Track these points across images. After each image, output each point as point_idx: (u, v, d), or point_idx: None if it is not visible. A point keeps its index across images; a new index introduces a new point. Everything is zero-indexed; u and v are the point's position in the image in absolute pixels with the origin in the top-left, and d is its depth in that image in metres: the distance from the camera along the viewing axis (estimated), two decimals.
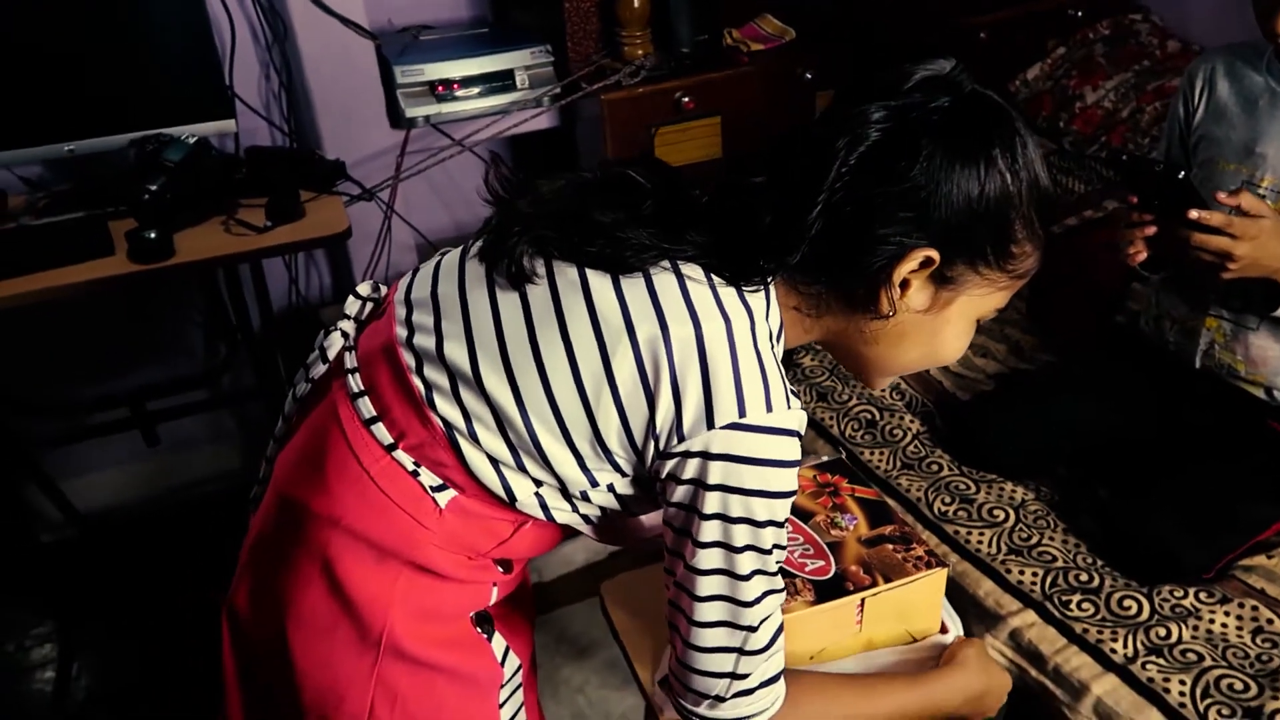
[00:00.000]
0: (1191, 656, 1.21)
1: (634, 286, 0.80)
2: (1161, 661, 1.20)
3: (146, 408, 2.21)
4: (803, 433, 0.80)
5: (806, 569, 1.06)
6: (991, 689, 1.03)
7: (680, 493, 0.79)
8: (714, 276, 0.81)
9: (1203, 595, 1.29)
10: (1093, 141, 2.51)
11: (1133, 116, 2.44)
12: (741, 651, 0.83)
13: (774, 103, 2.29)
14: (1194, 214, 1.20)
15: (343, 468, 0.87)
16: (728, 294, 0.80)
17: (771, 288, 0.83)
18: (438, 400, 0.84)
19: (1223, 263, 1.22)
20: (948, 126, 0.77)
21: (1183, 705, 1.15)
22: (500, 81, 2.22)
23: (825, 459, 1.23)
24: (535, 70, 2.24)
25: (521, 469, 0.84)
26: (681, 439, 0.77)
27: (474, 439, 0.83)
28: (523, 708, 1.00)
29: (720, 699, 0.85)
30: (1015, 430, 1.52)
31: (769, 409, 0.77)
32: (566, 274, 0.82)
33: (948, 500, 1.49)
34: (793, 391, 0.81)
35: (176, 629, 1.97)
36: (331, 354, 0.95)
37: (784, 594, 0.86)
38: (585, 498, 0.86)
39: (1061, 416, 1.52)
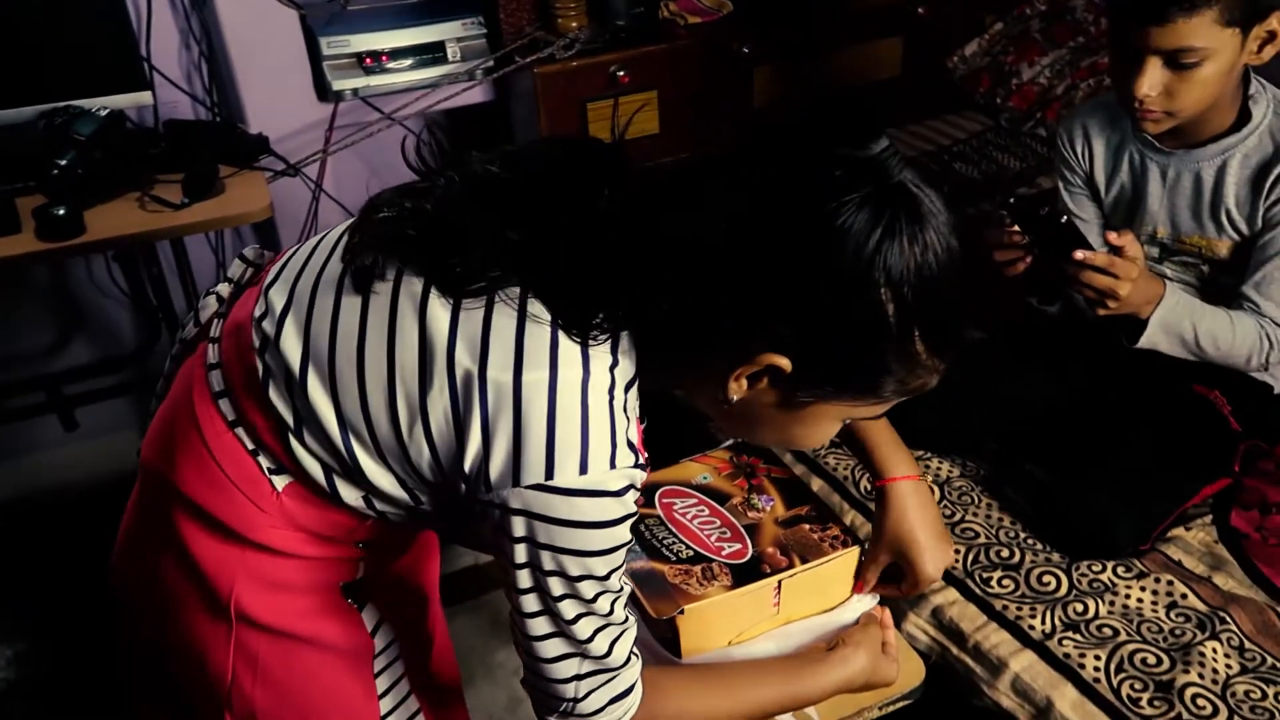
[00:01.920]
0: (1107, 631, 1.22)
1: (470, 318, 0.75)
2: (1078, 637, 1.22)
3: (64, 392, 2.14)
4: (637, 485, 0.76)
5: (723, 553, 1.05)
6: (873, 680, 1.01)
7: (493, 528, 0.77)
8: (560, 319, 0.74)
9: (1120, 570, 1.30)
10: (1029, 118, 2.52)
11: (1068, 93, 2.46)
12: (581, 670, 0.81)
13: (711, 77, 2.26)
14: (1079, 254, 1.23)
15: (186, 440, 0.86)
16: (568, 342, 0.74)
17: (624, 338, 0.77)
18: (272, 391, 0.81)
19: (1103, 300, 1.26)
20: (851, 225, 0.66)
21: (1097, 680, 1.16)
22: (431, 54, 2.16)
23: (737, 440, 1.22)
24: (467, 42, 2.19)
25: (348, 477, 0.82)
26: (489, 489, 0.74)
27: (302, 440, 0.81)
28: (404, 679, 0.98)
29: (567, 714, 0.83)
30: (945, 408, 1.52)
31: (583, 470, 0.72)
32: (411, 288, 0.77)
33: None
34: (633, 445, 0.76)
35: (97, 619, 1.91)
36: (204, 317, 0.93)
37: (625, 627, 0.83)
38: (416, 511, 0.84)
39: (991, 391, 1.52)
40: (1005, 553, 1.34)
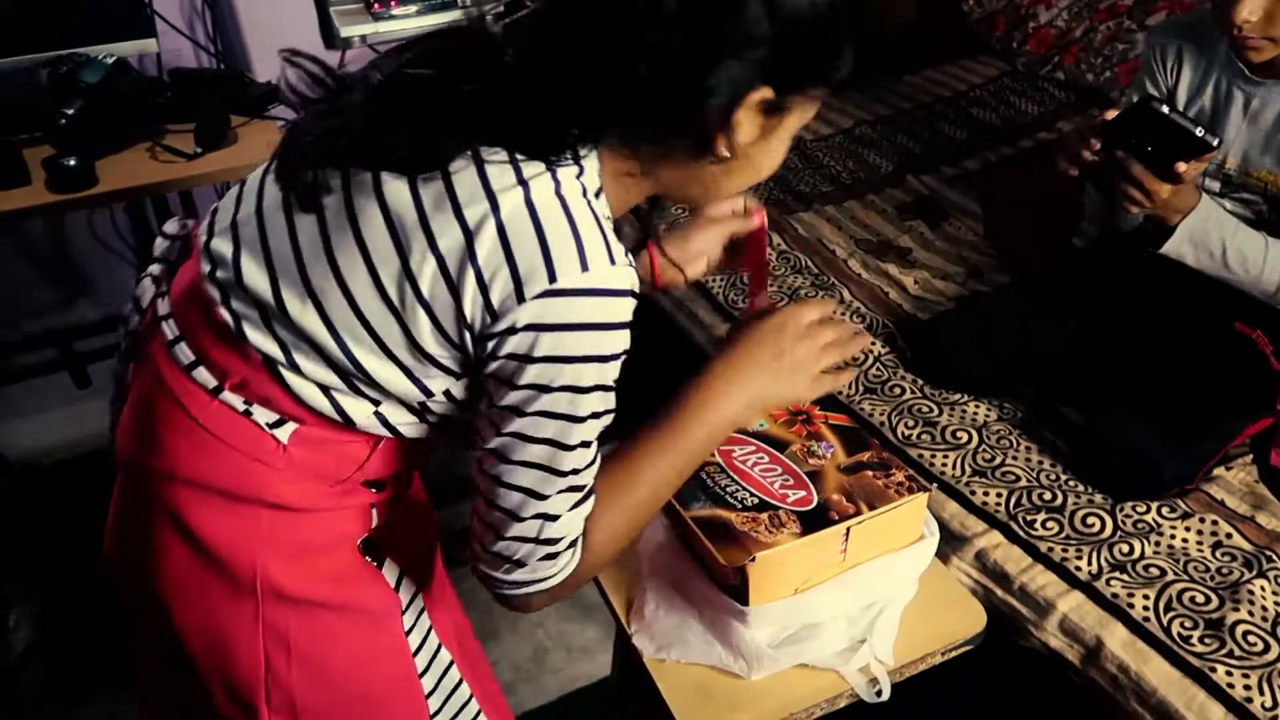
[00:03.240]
0: (1154, 571, 1.24)
1: (430, 184, 0.74)
2: (1125, 577, 1.23)
3: (75, 348, 2.10)
4: (636, 289, 0.76)
5: (789, 500, 1.04)
6: (779, 344, 0.90)
7: (501, 370, 0.74)
8: (518, 153, 0.74)
9: (1165, 510, 1.32)
10: (1045, 62, 2.49)
11: (1086, 36, 2.44)
12: (546, 517, 0.79)
13: None
14: (1180, 167, 1.24)
15: (171, 420, 0.83)
16: (531, 165, 0.74)
17: (585, 158, 0.77)
18: (250, 332, 0.79)
19: (1138, 200, 1.27)
20: None
21: (1146, 619, 1.18)
22: None
23: None
24: None
25: (355, 391, 0.80)
26: (495, 318, 0.72)
27: (295, 368, 0.79)
28: (431, 632, 0.97)
29: (522, 563, 0.80)
30: (982, 347, 1.52)
31: (584, 268, 0.71)
32: (361, 181, 0.76)
33: (911, 424, 1.49)
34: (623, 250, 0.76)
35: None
36: (145, 302, 0.89)
37: (594, 452, 0.80)
38: (426, 409, 0.82)
39: (1027, 332, 1.52)
40: (1047, 495, 1.35)
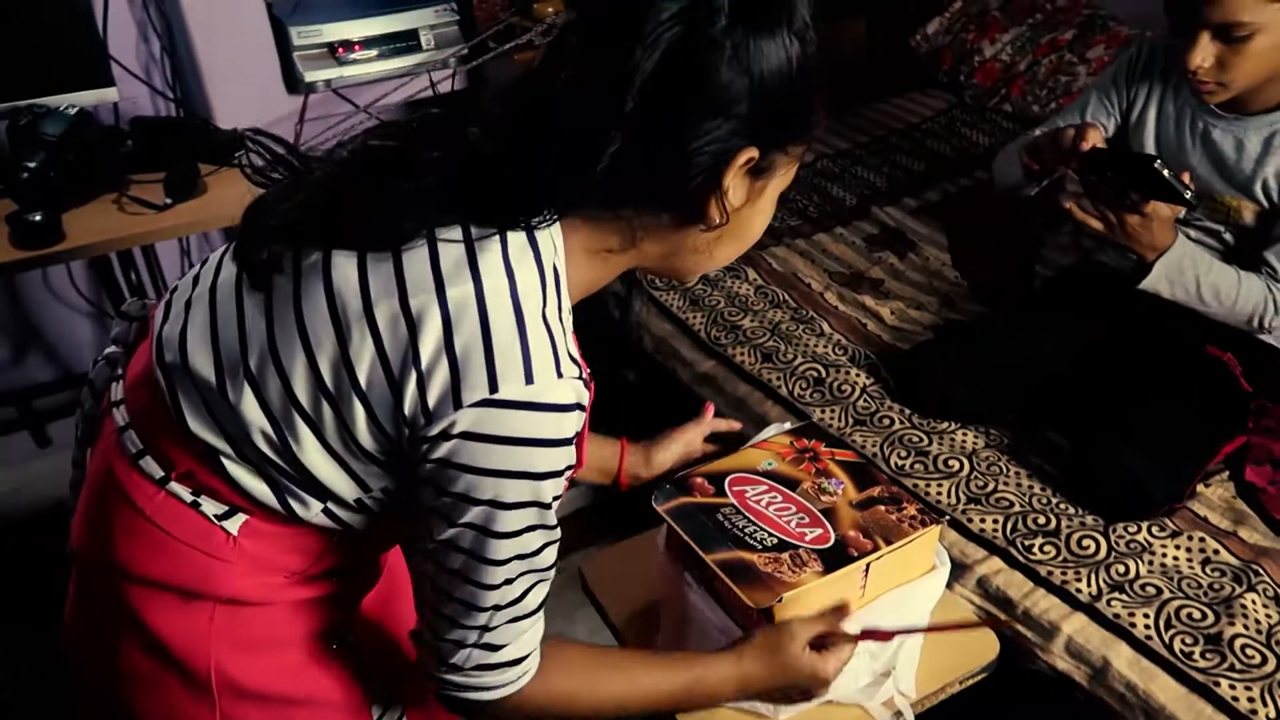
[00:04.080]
0: (1151, 590, 1.27)
1: (380, 265, 0.71)
2: (1125, 597, 1.27)
3: (34, 406, 2.03)
4: (584, 403, 0.73)
5: (807, 539, 1.05)
6: (788, 680, 0.95)
7: (431, 475, 0.72)
8: (473, 235, 0.71)
9: (1155, 530, 1.36)
10: (993, 95, 2.58)
11: (1030, 69, 2.53)
12: (485, 629, 0.77)
13: None
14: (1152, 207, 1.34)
15: (120, 513, 0.80)
16: (488, 254, 0.71)
17: (554, 236, 0.74)
18: (192, 421, 0.77)
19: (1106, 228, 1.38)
20: (737, 3, 0.69)
21: (1149, 638, 1.21)
22: (404, 42, 2.11)
23: (793, 424, 1.23)
24: (440, 30, 2.13)
25: (296, 483, 0.76)
26: (429, 420, 0.70)
27: (241, 459, 0.76)
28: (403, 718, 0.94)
29: (459, 668, 0.78)
30: (966, 375, 1.56)
31: (529, 380, 0.69)
32: (311, 263, 0.74)
33: (903, 454, 1.52)
34: (574, 358, 0.73)
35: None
36: (99, 386, 0.87)
37: (545, 577, 0.79)
38: (366, 507, 0.79)
39: (1008, 359, 1.57)
40: (1042, 519, 1.39)
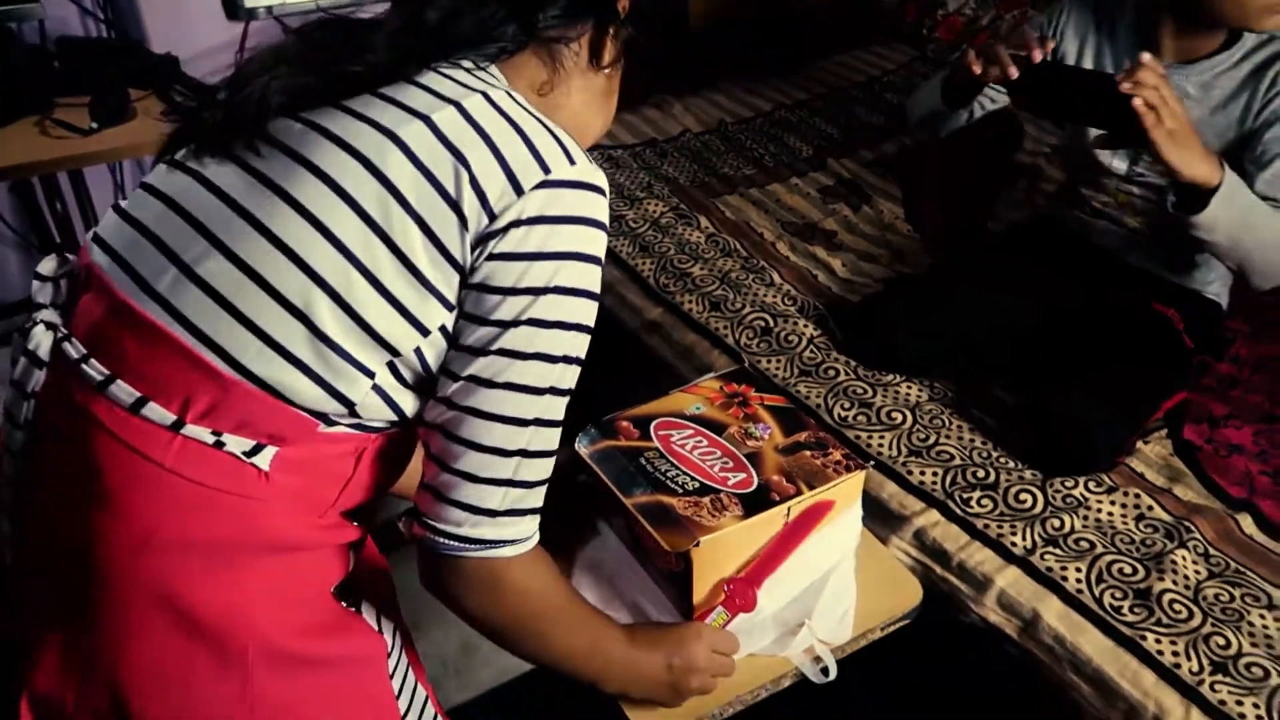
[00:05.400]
0: (1084, 545, 1.26)
1: (367, 103, 0.73)
2: (1058, 551, 1.25)
3: None
4: (607, 195, 0.76)
5: (729, 483, 1.02)
6: (678, 684, 0.94)
7: (490, 276, 0.71)
8: (440, 68, 0.75)
9: (1091, 485, 1.34)
10: (955, 49, 2.54)
11: (993, 24, 2.49)
12: (524, 453, 0.75)
13: None
14: (1124, 78, 1.16)
15: (130, 473, 0.71)
16: (463, 75, 0.75)
17: (499, 73, 0.78)
18: (214, 334, 0.70)
19: (1161, 116, 1.16)
20: None
21: (1080, 591, 1.20)
22: None
23: (728, 369, 1.20)
24: None
25: (344, 356, 0.71)
26: (493, 216, 0.70)
27: (275, 348, 0.70)
28: (410, 670, 0.91)
29: (494, 513, 0.75)
30: (919, 328, 1.53)
31: (571, 161, 0.72)
32: (285, 128, 0.74)
33: (847, 405, 1.49)
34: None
35: None
36: (45, 354, 0.75)
37: (562, 410, 0.78)
38: (422, 363, 0.74)
39: (958, 311, 1.53)
40: (981, 473, 1.37)
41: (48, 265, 0.80)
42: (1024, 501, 1.32)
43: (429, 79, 0.74)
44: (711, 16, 2.53)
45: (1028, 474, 1.36)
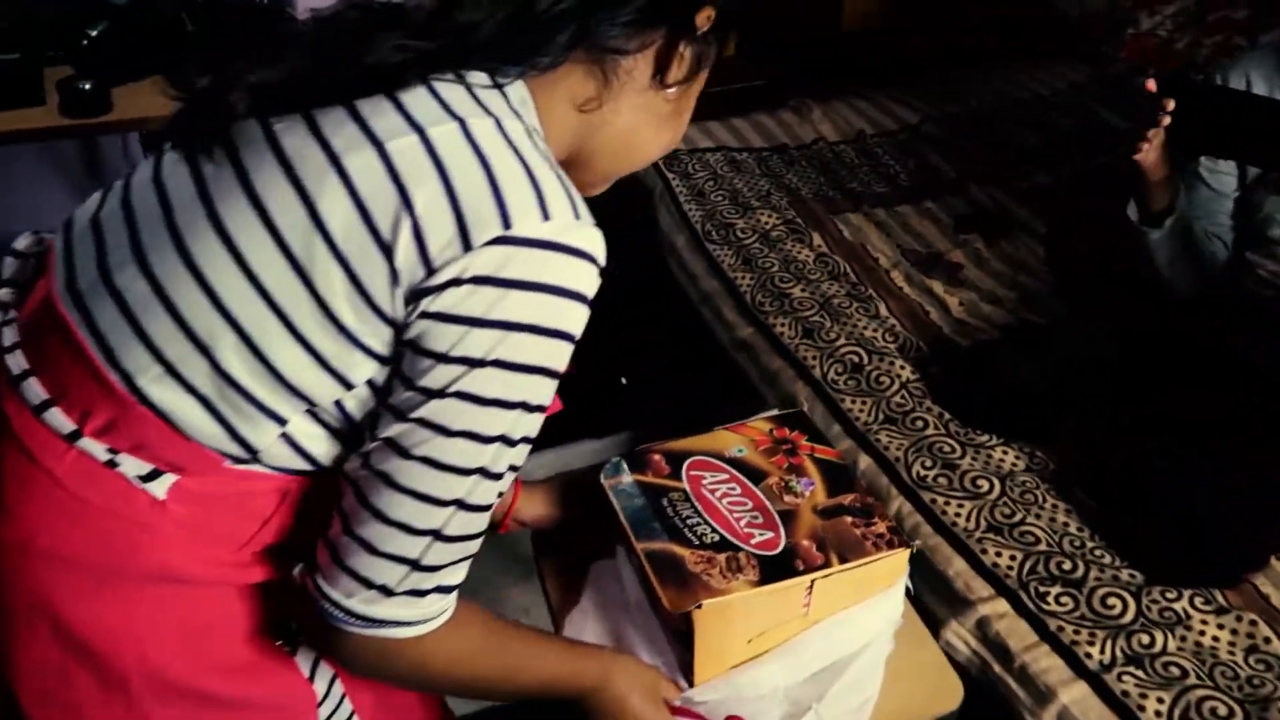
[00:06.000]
0: (1175, 671, 1.08)
1: (332, 118, 0.64)
2: (1140, 674, 1.08)
3: None
4: (601, 261, 0.64)
5: (753, 541, 0.93)
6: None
7: (423, 336, 0.62)
8: (437, 83, 0.65)
9: (1198, 601, 1.15)
10: (1140, 72, 2.29)
11: (1190, 50, 2.22)
12: (438, 535, 0.66)
13: None
14: None
15: (21, 475, 0.68)
16: (456, 95, 0.64)
17: (522, 88, 0.68)
18: (116, 347, 0.65)
19: None
20: None
21: None
22: None
23: (783, 411, 1.10)
24: None
25: (250, 400, 0.65)
26: (430, 270, 0.60)
27: (176, 377, 0.65)
28: (354, 717, 0.83)
29: (389, 591, 0.66)
30: (1027, 385, 1.37)
31: (545, 216, 0.61)
32: (247, 132, 0.65)
33: (929, 464, 1.35)
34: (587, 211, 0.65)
35: None
36: None
37: (499, 491, 0.68)
38: (345, 416, 0.68)
39: (1081, 372, 1.36)
40: (1067, 565, 1.20)
41: (24, 241, 0.78)
42: (1112, 607, 1.15)
43: (412, 96, 0.64)
44: (868, 19, 2.37)
45: (1124, 574, 1.19)
